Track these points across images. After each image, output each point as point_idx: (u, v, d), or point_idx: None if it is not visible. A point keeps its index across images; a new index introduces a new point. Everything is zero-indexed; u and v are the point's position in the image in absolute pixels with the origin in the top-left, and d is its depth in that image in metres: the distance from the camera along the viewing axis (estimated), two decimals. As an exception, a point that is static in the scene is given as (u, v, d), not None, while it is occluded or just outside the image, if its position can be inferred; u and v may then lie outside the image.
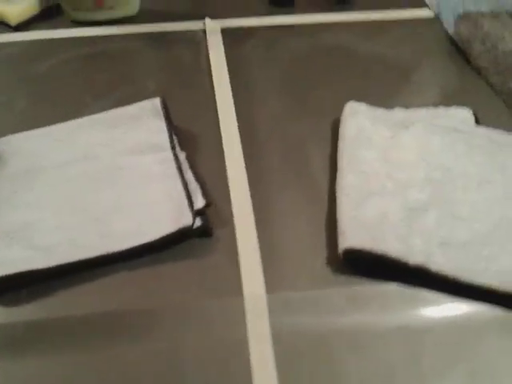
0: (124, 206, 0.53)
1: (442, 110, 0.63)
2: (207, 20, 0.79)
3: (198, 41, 0.77)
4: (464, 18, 0.76)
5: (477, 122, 0.63)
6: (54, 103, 0.68)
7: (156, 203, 0.54)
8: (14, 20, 0.79)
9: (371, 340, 0.46)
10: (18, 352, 0.45)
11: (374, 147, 0.59)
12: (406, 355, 0.46)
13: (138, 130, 0.60)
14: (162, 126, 0.60)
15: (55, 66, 0.73)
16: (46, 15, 0.80)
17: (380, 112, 0.63)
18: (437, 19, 0.81)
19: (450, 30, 0.78)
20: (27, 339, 0.46)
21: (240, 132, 0.63)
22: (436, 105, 0.64)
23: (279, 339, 0.46)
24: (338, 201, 0.54)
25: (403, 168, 0.57)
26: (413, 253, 0.50)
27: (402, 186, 0.55)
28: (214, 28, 0.78)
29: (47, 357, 0.45)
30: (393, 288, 0.50)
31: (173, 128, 0.61)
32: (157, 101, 0.62)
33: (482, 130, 0.61)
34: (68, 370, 0.44)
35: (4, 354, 0.45)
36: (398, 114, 0.63)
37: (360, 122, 0.61)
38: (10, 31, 0.79)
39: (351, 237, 0.50)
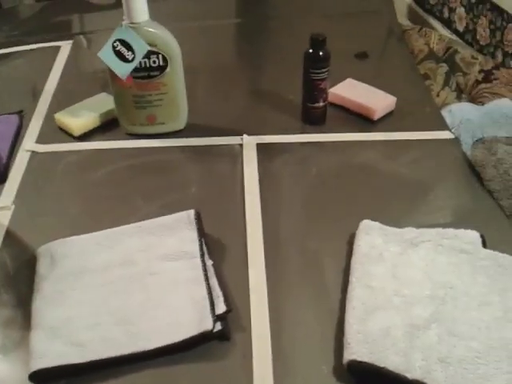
0: (152, 309, 0.60)
1: (450, 231, 0.68)
2: (245, 136, 0.88)
3: (235, 154, 0.86)
4: (480, 142, 0.82)
5: (484, 244, 0.67)
6: (108, 207, 0.77)
7: (181, 307, 0.60)
8: (77, 131, 0.90)
9: None
10: None
11: (383, 263, 0.64)
12: None
13: (172, 238, 0.68)
14: (194, 236, 0.67)
15: (110, 174, 0.83)
16: (105, 128, 0.91)
17: (392, 231, 0.68)
18: (457, 141, 0.87)
19: (468, 153, 0.83)
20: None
21: (264, 243, 0.70)
22: (447, 225, 0.69)
23: None
24: (346, 313, 0.59)
25: (409, 285, 0.62)
26: (412, 368, 0.54)
27: (406, 303, 0.60)
28: (249, 143, 0.87)
29: None
30: (393, 400, 0.54)
31: (204, 237, 0.68)
32: (191, 212, 0.70)
33: (488, 253, 0.65)
34: None
35: None
36: (409, 233, 0.68)
37: (372, 239, 0.67)
38: (73, 141, 0.90)
39: (355, 349, 0.55)
